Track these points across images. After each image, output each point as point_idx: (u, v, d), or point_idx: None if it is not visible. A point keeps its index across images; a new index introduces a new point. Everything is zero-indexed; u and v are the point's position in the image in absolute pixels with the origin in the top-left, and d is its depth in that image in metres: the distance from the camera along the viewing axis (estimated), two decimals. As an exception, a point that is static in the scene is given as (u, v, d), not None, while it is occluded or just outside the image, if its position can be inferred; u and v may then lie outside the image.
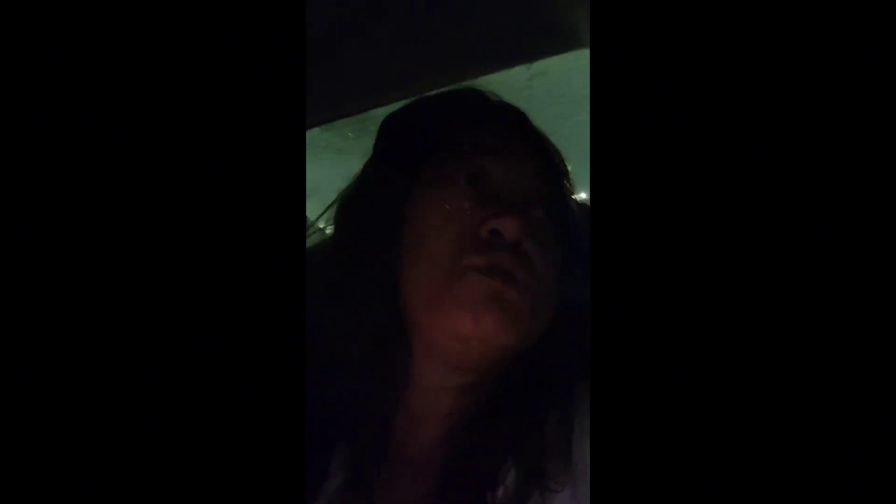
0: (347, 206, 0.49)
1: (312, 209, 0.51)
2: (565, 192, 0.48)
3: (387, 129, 0.50)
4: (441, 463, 0.42)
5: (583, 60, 0.42)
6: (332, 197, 0.50)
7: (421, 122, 0.49)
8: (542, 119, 0.54)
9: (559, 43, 0.60)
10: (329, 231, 0.50)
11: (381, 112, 0.53)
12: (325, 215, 0.50)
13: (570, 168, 0.50)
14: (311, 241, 0.51)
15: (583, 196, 0.50)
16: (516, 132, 0.48)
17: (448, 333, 0.41)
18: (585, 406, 0.41)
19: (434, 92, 0.55)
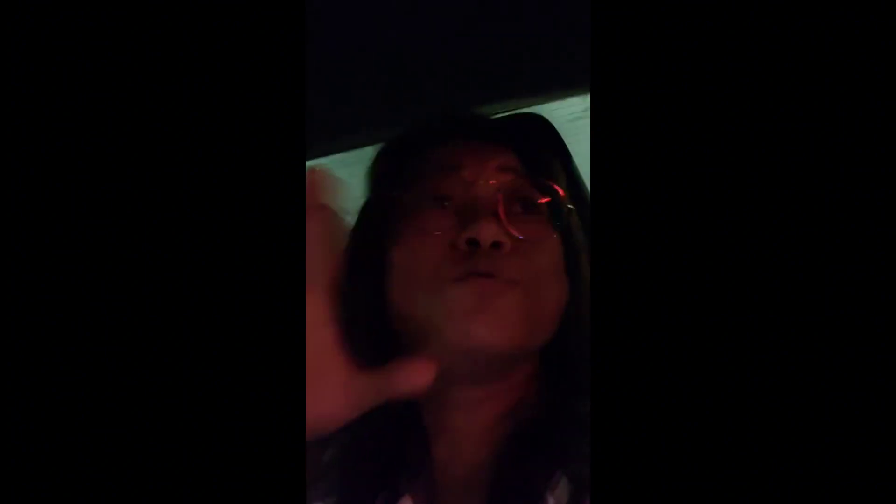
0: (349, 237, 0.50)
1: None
2: (568, 180, 0.47)
3: (376, 161, 0.52)
4: (489, 480, 0.42)
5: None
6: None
7: (398, 150, 0.51)
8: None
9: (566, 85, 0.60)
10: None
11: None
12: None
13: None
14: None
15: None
16: (492, 136, 0.48)
17: (446, 349, 0.41)
18: None
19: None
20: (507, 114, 0.55)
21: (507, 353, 0.42)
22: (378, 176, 0.51)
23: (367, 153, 0.55)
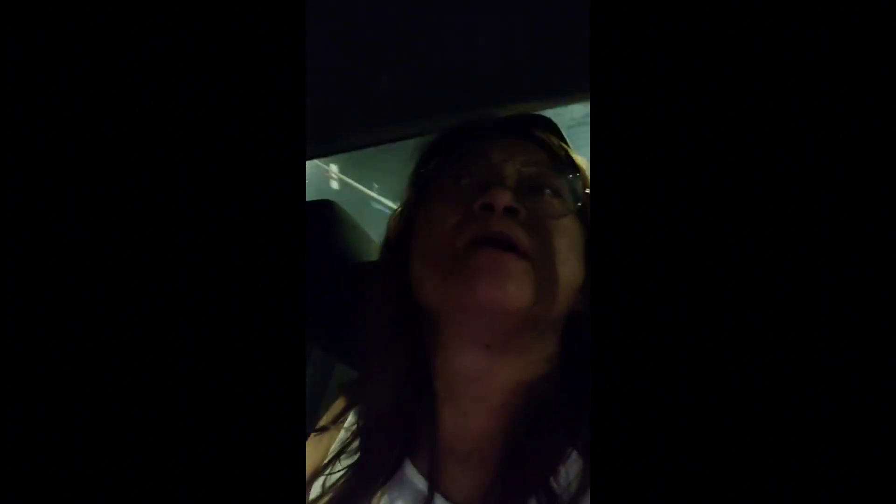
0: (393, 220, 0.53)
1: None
2: (573, 177, 0.48)
3: (421, 151, 0.54)
4: (499, 454, 0.43)
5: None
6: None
7: (442, 142, 0.53)
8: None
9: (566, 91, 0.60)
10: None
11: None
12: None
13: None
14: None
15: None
16: (512, 136, 0.50)
17: (457, 308, 0.43)
18: None
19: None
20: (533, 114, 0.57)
21: (514, 316, 0.42)
22: (421, 164, 0.53)
23: (369, 153, 0.57)
